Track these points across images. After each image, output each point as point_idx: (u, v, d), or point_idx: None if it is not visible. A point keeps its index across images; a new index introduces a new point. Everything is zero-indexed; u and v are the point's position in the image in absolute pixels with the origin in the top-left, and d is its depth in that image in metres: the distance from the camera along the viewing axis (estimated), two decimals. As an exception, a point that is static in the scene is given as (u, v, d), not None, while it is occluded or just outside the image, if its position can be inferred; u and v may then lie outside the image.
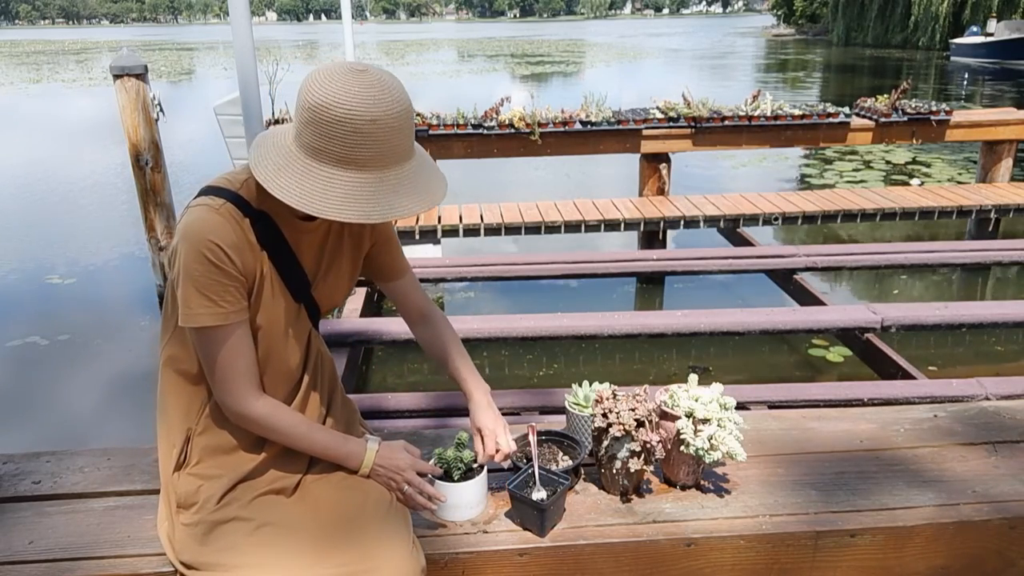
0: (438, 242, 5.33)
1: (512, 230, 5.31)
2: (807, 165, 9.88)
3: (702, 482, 1.69)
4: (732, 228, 5.70)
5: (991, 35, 27.20)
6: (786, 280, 4.77)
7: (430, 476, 1.52)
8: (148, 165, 4.88)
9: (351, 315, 4.11)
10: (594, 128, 5.66)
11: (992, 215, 5.61)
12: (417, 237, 5.27)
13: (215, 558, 1.32)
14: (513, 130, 5.59)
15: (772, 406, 2.97)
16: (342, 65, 1.21)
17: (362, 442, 1.47)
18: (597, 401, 1.66)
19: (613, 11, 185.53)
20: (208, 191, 1.34)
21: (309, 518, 1.38)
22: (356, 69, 1.20)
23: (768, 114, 5.79)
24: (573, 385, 1.83)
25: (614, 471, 1.61)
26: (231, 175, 1.38)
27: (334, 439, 1.46)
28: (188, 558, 1.36)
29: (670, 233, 5.81)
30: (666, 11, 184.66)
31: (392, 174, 1.23)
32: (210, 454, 1.42)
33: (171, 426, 1.45)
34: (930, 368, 4.03)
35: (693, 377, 1.71)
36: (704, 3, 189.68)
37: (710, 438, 1.59)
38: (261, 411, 1.38)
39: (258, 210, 1.35)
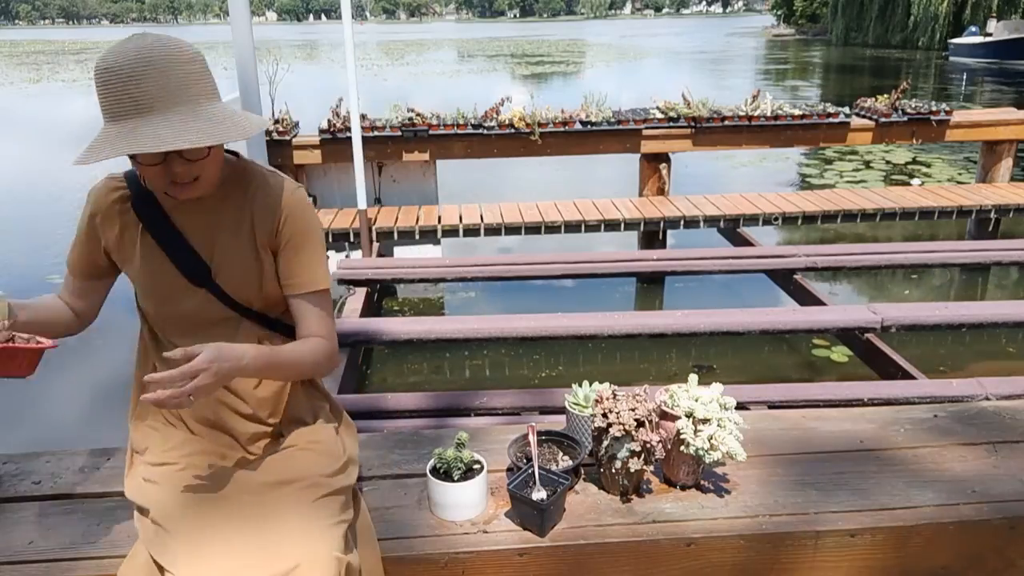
0: (438, 242, 5.33)
1: (512, 230, 5.31)
2: (807, 165, 9.88)
3: (702, 482, 1.69)
4: (732, 228, 5.70)
5: (990, 35, 27.18)
6: (786, 280, 4.77)
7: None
8: (148, 165, 4.88)
9: (351, 315, 4.11)
10: (594, 128, 5.66)
11: (992, 215, 5.61)
12: (417, 237, 5.28)
13: (145, 498, 1.40)
14: (513, 130, 5.60)
15: (772, 406, 2.97)
16: None
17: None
18: (597, 401, 1.66)
19: (613, 11, 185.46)
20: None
21: (227, 476, 1.41)
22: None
23: (768, 114, 5.80)
24: (573, 385, 1.83)
25: (614, 471, 1.61)
26: None
27: None
28: (130, 495, 1.46)
29: (670, 233, 5.81)
30: (666, 11, 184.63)
31: (155, 119, 1.24)
32: (152, 410, 1.54)
33: (135, 379, 1.61)
34: (932, 368, 4.02)
35: (693, 377, 1.71)
36: (704, 3, 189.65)
37: (710, 438, 1.59)
38: None
39: (143, 188, 1.43)
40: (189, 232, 1.45)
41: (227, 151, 1.48)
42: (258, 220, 1.46)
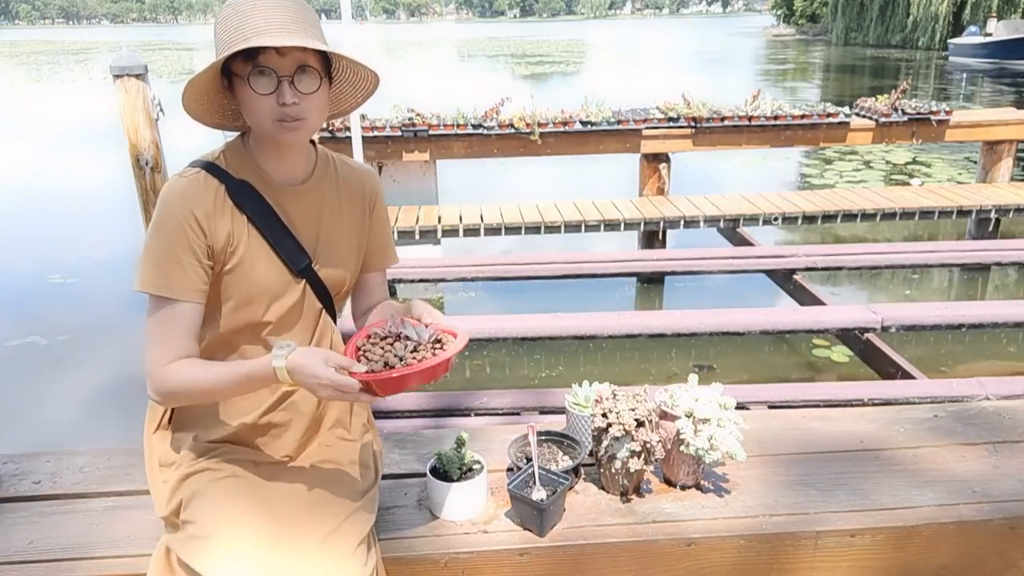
0: (438, 242, 5.33)
1: (512, 230, 5.31)
2: (807, 165, 9.89)
3: (702, 482, 1.69)
4: (732, 228, 5.70)
5: (990, 35, 27.15)
6: (786, 280, 4.77)
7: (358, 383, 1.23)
8: (148, 165, 4.88)
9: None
10: (594, 128, 5.66)
11: (992, 215, 5.61)
12: (417, 237, 5.28)
13: (185, 509, 1.34)
14: (513, 130, 5.60)
15: (772, 406, 2.97)
16: None
17: (266, 362, 1.25)
18: (597, 401, 1.66)
19: (613, 11, 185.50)
20: (187, 166, 1.39)
21: (271, 487, 1.38)
22: None
23: (768, 114, 5.80)
24: (573, 385, 1.83)
25: (614, 471, 1.61)
26: (209, 151, 1.41)
27: (237, 371, 1.29)
28: (164, 512, 1.38)
29: (670, 233, 5.82)
30: (666, 11, 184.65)
31: (279, 33, 1.24)
32: (194, 418, 1.45)
33: None
34: (932, 368, 4.02)
35: (693, 377, 1.71)
36: (704, 3, 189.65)
37: (710, 438, 1.59)
38: (160, 384, 1.29)
39: (236, 178, 1.36)
40: (293, 220, 1.40)
41: None
42: (353, 203, 1.49)
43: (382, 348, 1.28)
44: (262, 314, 1.39)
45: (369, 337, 1.32)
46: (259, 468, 1.42)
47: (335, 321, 1.55)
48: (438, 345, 1.29)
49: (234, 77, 1.29)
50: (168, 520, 1.38)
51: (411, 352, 1.27)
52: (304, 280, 1.42)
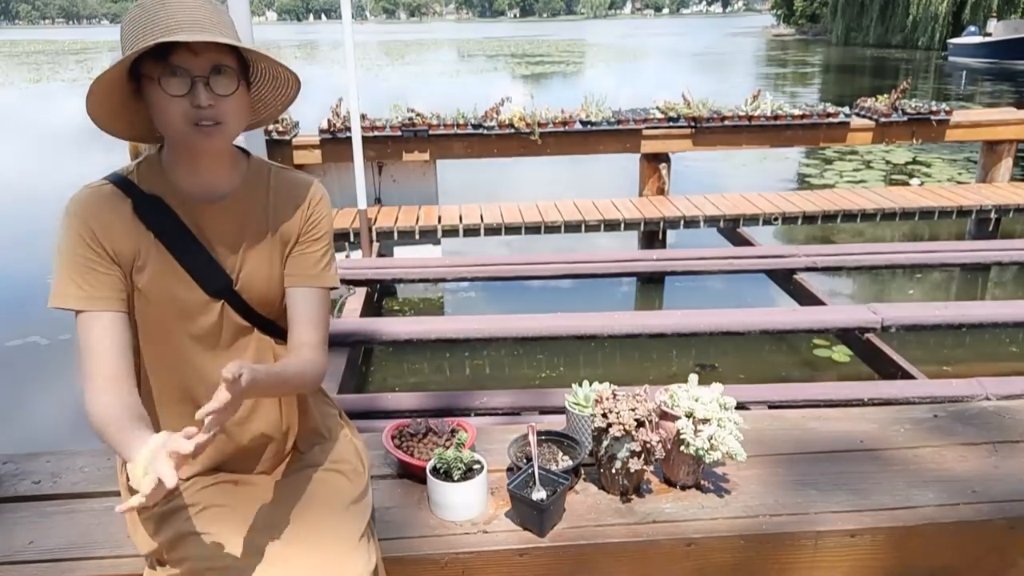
0: (438, 242, 5.33)
1: (512, 230, 5.31)
2: (807, 165, 9.88)
3: (702, 482, 1.69)
4: (732, 228, 5.70)
5: (990, 35, 27.15)
6: (786, 280, 4.76)
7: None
8: (148, 165, 4.88)
9: (351, 315, 4.11)
10: (594, 128, 5.66)
11: (992, 215, 5.61)
12: (417, 237, 5.28)
13: (174, 550, 1.30)
14: (513, 130, 5.60)
15: (772, 406, 2.97)
16: None
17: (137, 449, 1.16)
18: (597, 401, 1.66)
19: (613, 11, 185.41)
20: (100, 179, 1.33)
21: (257, 504, 1.34)
22: None
23: (768, 114, 5.80)
24: (573, 385, 1.83)
25: (614, 471, 1.61)
26: (124, 166, 1.36)
27: (118, 439, 1.22)
28: (146, 549, 1.35)
29: (670, 233, 5.81)
30: (666, 11, 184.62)
31: (187, 31, 1.17)
32: None
33: None
34: (932, 368, 4.02)
35: (693, 377, 1.71)
36: (704, 3, 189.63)
37: (710, 438, 1.59)
38: (87, 406, 1.26)
39: (148, 193, 1.30)
40: (211, 239, 1.32)
41: (238, 148, 1.39)
42: (284, 220, 1.39)
43: (424, 444, 1.77)
44: (178, 335, 1.33)
45: (402, 434, 1.82)
46: (238, 489, 1.39)
47: (283, 336, 1.43)
48: (454, 434, 1.77)
49: (144, 80, 1.20)
50: (153, 555, 1.35)
51: (445, 441, 1.78)
52: (223, 300, 1.34)
